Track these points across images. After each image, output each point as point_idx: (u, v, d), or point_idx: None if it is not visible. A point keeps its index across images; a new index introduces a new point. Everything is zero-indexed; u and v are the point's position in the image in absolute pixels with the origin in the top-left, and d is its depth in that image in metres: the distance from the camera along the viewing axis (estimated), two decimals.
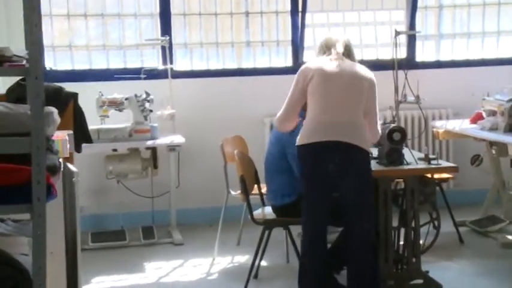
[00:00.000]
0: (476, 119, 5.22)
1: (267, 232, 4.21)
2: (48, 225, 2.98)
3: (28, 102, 2.04)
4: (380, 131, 3.83)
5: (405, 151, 4.02)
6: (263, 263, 4.50)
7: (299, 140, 3.68)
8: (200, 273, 4.61)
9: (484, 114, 5.17)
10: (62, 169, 3.07)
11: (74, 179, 3.20)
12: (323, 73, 3.68)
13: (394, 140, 3.94)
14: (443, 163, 4.01)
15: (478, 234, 5.17)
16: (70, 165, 3.28)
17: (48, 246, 3.05)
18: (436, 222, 4.31)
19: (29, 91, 1.95)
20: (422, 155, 4.11)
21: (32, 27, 1.86)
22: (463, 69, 6.04)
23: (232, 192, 4.85)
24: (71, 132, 3.47)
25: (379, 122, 3.87)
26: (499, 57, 6.15)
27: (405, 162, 3.97)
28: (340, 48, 3.77)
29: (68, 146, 3.28)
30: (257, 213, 4.25)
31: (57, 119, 2.46)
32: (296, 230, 4.43)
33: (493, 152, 4.95)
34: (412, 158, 4.02)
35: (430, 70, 5.95)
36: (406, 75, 4.73)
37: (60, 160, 3.13)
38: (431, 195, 4.03)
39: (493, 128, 4.93)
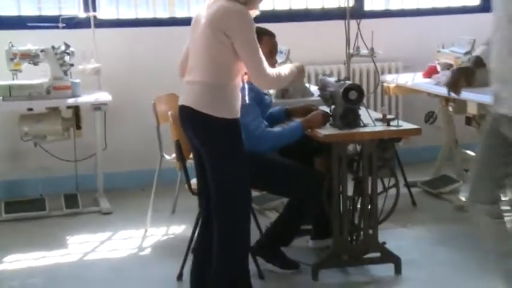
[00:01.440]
0: (430, 72, 4.87)
1: None
2: None
3: None
4: (272, 74, 3.06)
5: (361, 111, 3.58)
6: None
7: None
8: (131, 247, 4.12)
9: (438, 68, 4.81)
10: None
11: None
12: (193, 22, 3.15)
13: (350, 100, 3.49)
14: (404, 124, 3.59)
15: (430, 195, 4.88)
16: None
17: None
18: (388, 189, 3.90)
19: None
20: (379, 115, 3.69)
21: None
22: (414, 18, 5.65)
23: (167, 157, 4.36)
24: None
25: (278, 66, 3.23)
26: (452, 5, 5.78)
27: (362, 124, 3.54)
28: None
29: None
30: (195, 182, 3.76)
31: None
32: None
33: (450, 109, 4.59)
34: (369, 119, 3.59)
35: (378, 20, 5.51)
36: (358, 25, 4.31)
37: None
38: (390, 160, 3.63)
39: None
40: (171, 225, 4.46)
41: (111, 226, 4.45)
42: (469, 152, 5.04)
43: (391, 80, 5.04)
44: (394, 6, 5.73)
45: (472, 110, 4.29)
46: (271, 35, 3.60)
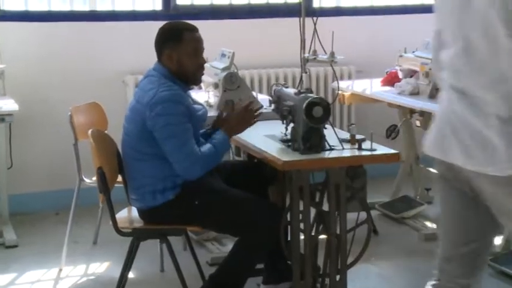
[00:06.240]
0: (390, 79, 4.33)
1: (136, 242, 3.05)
2: None
3: None
4: None
5: (327, 131, 2.95)
6: (129, 274, 3.33)
7: None
8: None
9: (400, 75, 4.27)
10: None
11: None
12: None
13: (314, 117, 2.86)
14: (379, 148, 2.97)
15: (391, 220, 4.30)
16: None
17: None
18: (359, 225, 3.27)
19: None
20: (346, 136, 3.07)
21: None
22: (367, 17, 5.08)
23: (87, 180, 3.68)
24: None
25: None
26: (408, 4, 5.24)
27: (328, 147, 2.91)
28: None
29: None
30: (122, 217, 3.08)
31: None
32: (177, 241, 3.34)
33: (418, 123, 4.03)
34: (336, 140, 2.96)
35: (328, 18, 4.91)
36: (315, 24, 3.71)
37: None
38: (360, 190, 3.02)
39: (414, 93, 4.05)
40: (92, 261, 3.76)
41: (17, 264, 3.71)
42: (431, 169, 4.53)
43: (346, 87, 4.45)
44: (345, 3, 5.18)
45: None
46: (192, 30, 3.02)
